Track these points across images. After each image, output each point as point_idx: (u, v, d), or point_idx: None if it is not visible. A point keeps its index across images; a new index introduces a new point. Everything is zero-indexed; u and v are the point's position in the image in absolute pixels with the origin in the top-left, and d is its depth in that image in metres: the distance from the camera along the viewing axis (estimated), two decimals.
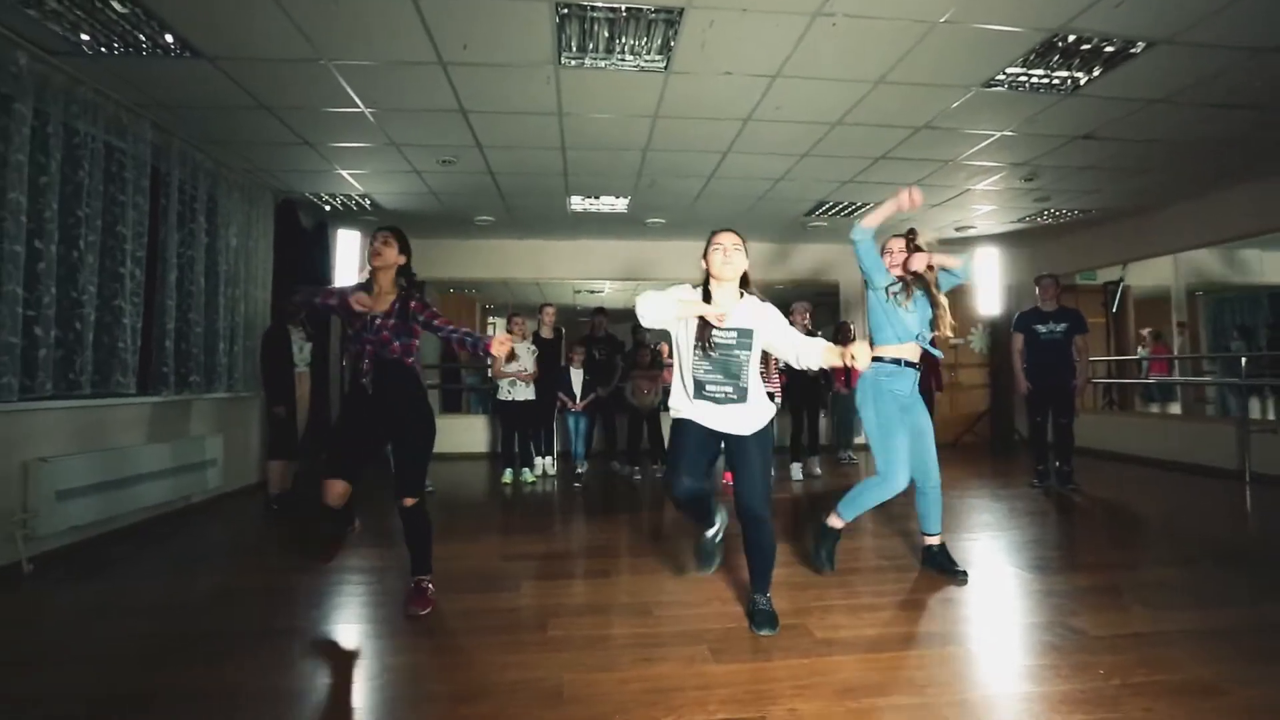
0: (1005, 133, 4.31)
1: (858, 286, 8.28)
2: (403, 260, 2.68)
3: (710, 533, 2.35)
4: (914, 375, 2.87)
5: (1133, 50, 3.18)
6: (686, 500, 2.34)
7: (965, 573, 2.90)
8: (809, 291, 8.89)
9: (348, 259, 6.09)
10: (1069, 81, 3.54)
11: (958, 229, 7.13)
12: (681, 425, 2.40)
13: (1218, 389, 6.94)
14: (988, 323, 8.26)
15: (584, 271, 7.93)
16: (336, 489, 2.55)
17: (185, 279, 4.34)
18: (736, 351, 2.29)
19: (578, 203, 6.01)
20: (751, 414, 2.34)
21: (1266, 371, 6.23)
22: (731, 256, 2.33)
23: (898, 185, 5.47)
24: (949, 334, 2.84)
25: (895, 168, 5.06)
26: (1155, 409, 7.25)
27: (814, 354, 2.26)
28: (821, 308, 9.09)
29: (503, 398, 5.75)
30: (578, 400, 5.99)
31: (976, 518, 4.12)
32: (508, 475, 5.79)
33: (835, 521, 2.98)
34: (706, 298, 2.35)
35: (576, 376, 6.05)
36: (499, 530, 4.09)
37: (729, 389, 2.30)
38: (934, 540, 2.98)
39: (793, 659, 2.16)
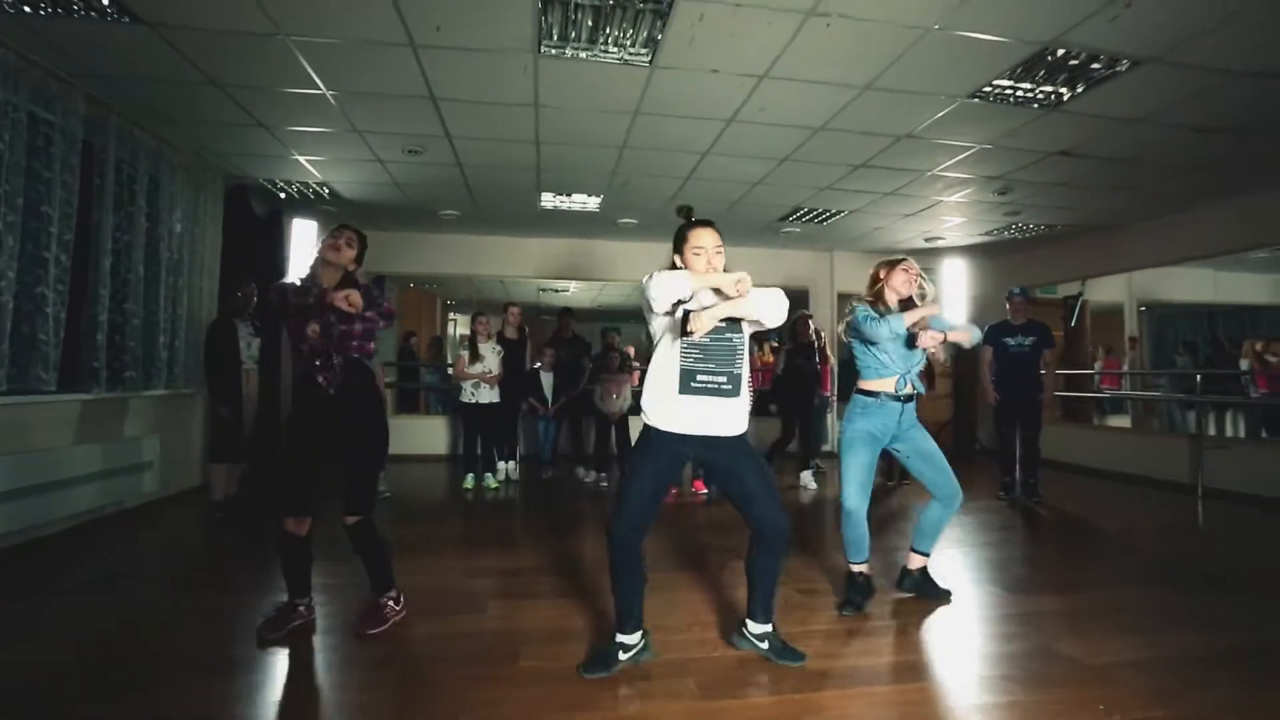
0: (984, 145, 4.31)
1: (826, 293, 8.30)
2: (354, 266, 2.52)
3: (634, 640, 2.15)
4: (899, 409, 2.70)
5: (1118, 68, 3.18)
6: (623, 550, 2.10)
7: (949, 592, 2.84)
8: (800, 301, 8.92)
9: (302, 250, 5.75)
10: (1053, 96, 3.53)
11: (927, 239, 7.18)
12: (648, 441, 2.13)
13: (1166, 403, 7.17)
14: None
15: (552, 270, 7.72)
16: (303, 527, 2.39)
17: (121, 266, 3.99)
18: (728, 335, 2.07)
19: (549, 200, 5.82)
20: (742, 410, 2.14)
21: (1214, 389, 6.44)
22: (715, 262, 2.12)
23: (874, 193, 5.49)
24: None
25: (873, 176, 5.03)
26: (1109, 421, 7.44)
27: (777, 306, 2.08)
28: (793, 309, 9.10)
29: (466, 400, 5.51)
30: (549, 404, 5.77)
31: (949, 531, 4.08)
32: (469, 481, 5.55)
33: (853, 566, 2.82)
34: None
35: (547, 380, 5.86)
36: (462, 542, 3.87)
37: (722, 379, 2.07)
38: (920, 561, 2.89)
39: (784, 693, 2.03)
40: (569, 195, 5.69)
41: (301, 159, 4.77)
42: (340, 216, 6.36)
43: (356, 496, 2.45)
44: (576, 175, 5.16)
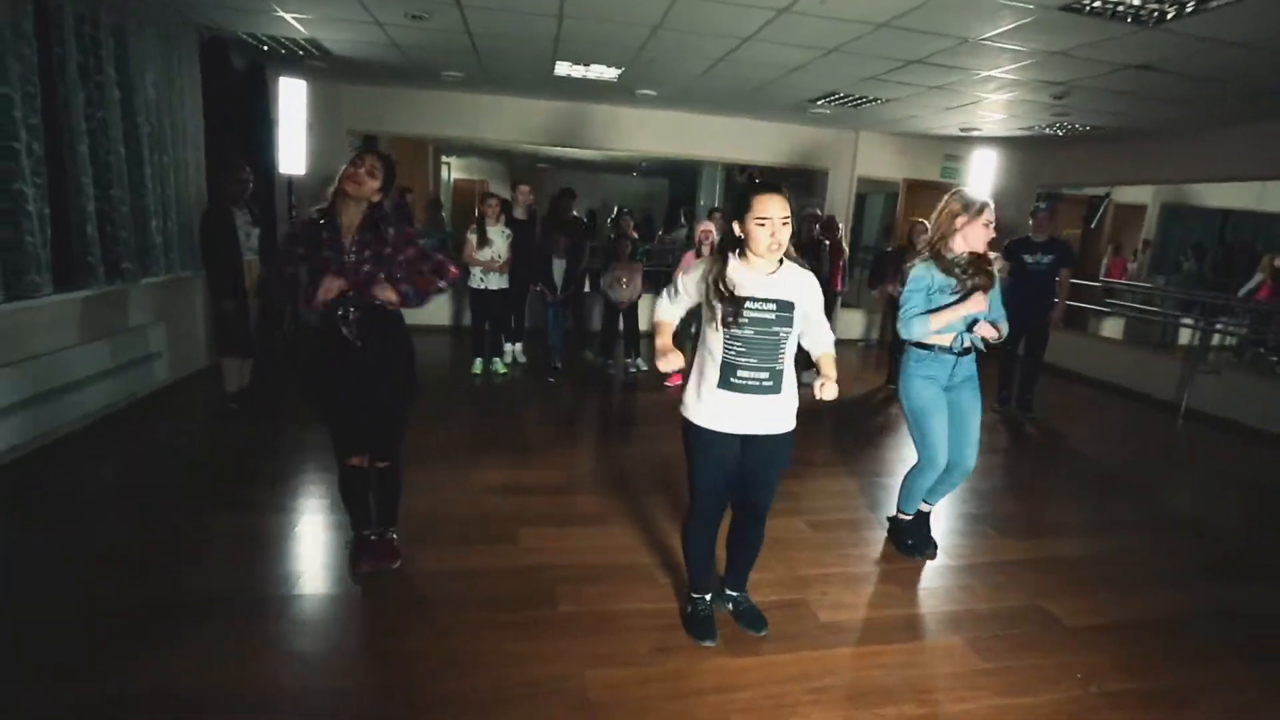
0: (1056, 52, 3.88)
1: (847, 177, 7.90)
2: (379, 198, 2.28)
3: (709, 597, 2.29)
4: (953, 362, 2.65)
5: None
6: (698, 541, 2.21)
7: (935, 545, 2.94)
8: (797, 176, 8.46)
9: (291, 111, 5.23)
10: (1157, 14, 3.12)
11: (962, 129, 6.72)
12: (698, 437, 2.07)
13: (1163, 314, 7.24)
14: (955, 156, 8.08)
15: (561, 136, 7.19)
16: (362, 461, 2.41)
17: (99, 148, 3.63)
18: (775, 328, 1.95)
19: (564, 68, 5.25)
20: (786, 406, 2.06)
21: (1218, 297, 6.46)
22: (780, 235, 1.90)
23: (919, 87, 5.03)
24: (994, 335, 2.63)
25: (923, 72, 4.56)
26: (1105, 323, 7.51)
27: (825, 343, 2.15)
28: (813, 194, 8.72)
29: (474, 286, 5.38)
30: (559, 291, 5.65)
31: None
32: (477, 365, 5.61)
33: (902, 517, 2.96)
34: (721, 268, 1.97)
35: (558, 266, 5.67)
36: (480, 447, 3.96)
37: (764, 375, 1.98)
38: (907, 517, 2.95)
39: (802, 650, 2.24)
40: (587, 65, 5.13)
41: (286, 16, 4.17)
42: (330, 73, 5.75)
43: (387, 441, 2.45)
44: (599, 49, 4.62)
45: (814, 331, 2.14)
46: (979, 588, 2.72)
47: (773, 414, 2.05)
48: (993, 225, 2.60)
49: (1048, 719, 2.00)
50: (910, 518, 2.94)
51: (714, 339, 2.01)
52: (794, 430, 2.12)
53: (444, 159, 11.63)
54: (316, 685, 1.95)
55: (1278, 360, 6.07)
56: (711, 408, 2.04)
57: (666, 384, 5.53)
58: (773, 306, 1.96)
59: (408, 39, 4.57)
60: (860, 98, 5.61)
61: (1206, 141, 5.78)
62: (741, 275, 1.98)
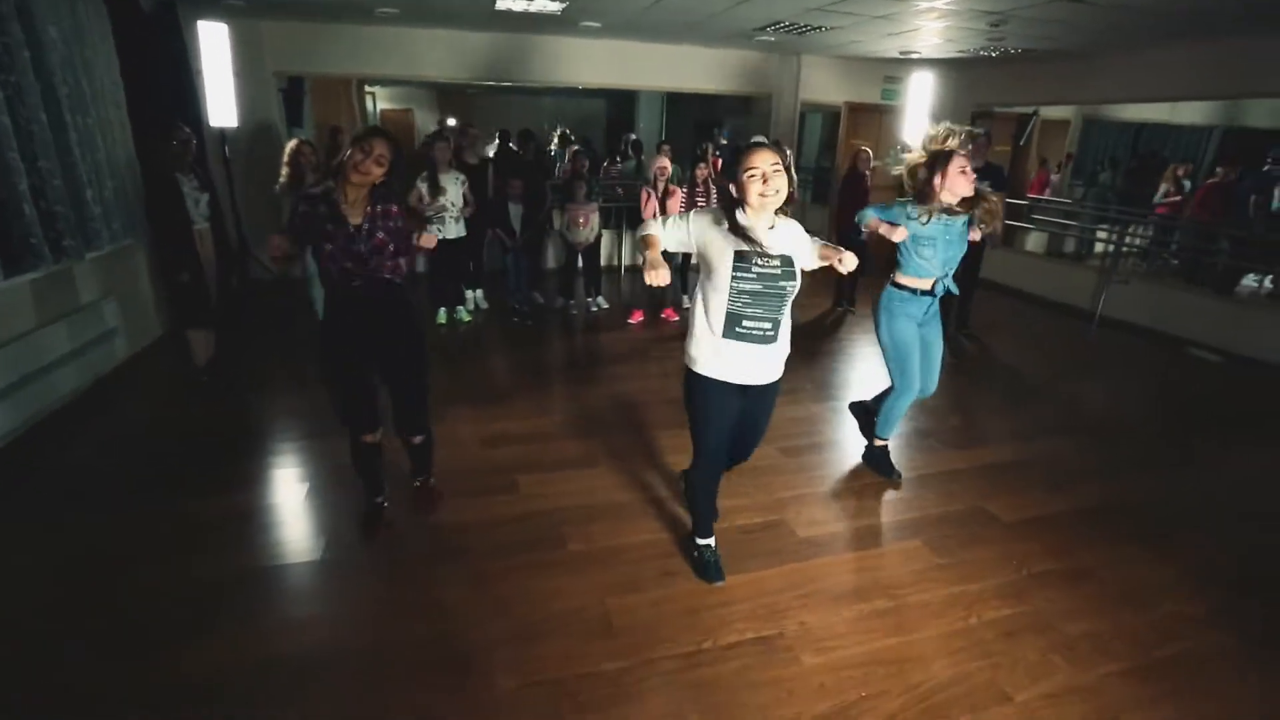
0: None
1: (790, 101, 7.95)
2: (383, 177, 2.26)
3: (713, 542, 2.50)
4: (930, 302, 2.89)
5: None
6: (704, 489, 2.39)
7: (900, 475, 3.25)
8: (740, 101, 8.45)
9: (215, 57, 4.86)
10: None
11: (902, 52, 6.83)
12: (701, 389, 2.19)
13: (1079, 225, 7.79)
14: (908, 147, 8.35)
15: (503, 71, 6.92)
16: (377, 436, 2.52)
17: (20, 117, 3.37)
18: (781, 283, 2.05)
19: (507, 4, 5.04)
20: (780, 355, 2.21)
21: (1126, 213, 7.01)
22: (773, 182, 1.97)
23: (863, 16, 5.09)
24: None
25: (868, 3, 4.63)
26: (1030, 240, 8.03)
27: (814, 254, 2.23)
28: (760, 118, 8.72)
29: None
30: (518, 236, 5.65)
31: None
32: (442, 315, 5.62)
33: (878, 442, 3.23)
34: (735, 226, 2.04)
35: (515, 211, 5.64)
36: (460, 399, 4.04)
37: (767, 325, 2.09)
38: (883, 443, 3.29)
39: (788, 564, 2.58)
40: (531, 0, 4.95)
41: None
42: (250, 11, 5.35)
43: (414, 418, 2.60)
44: None
45: (809, 255, 2.22)
46: (931, 496, 3.12)
47: (770, 363, 2.19)
48: (969, 167, 2.66)
49: (991, 599, 2.41)
50: (886, 442, 3.23)
51: (715, 295, 2.09)
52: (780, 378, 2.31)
53: (368, 89, 10.97)
54: (367, 642, 2.15)
55: (1178, 263, 6.72)
56: (715, 356, 2.14)
57: (630, 321, 5.71)
58: (778, 262, 2.05)
59: None
60: (805, 26, 5.63)
61: (1126, 64, 6.10)
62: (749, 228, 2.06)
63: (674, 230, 2.16)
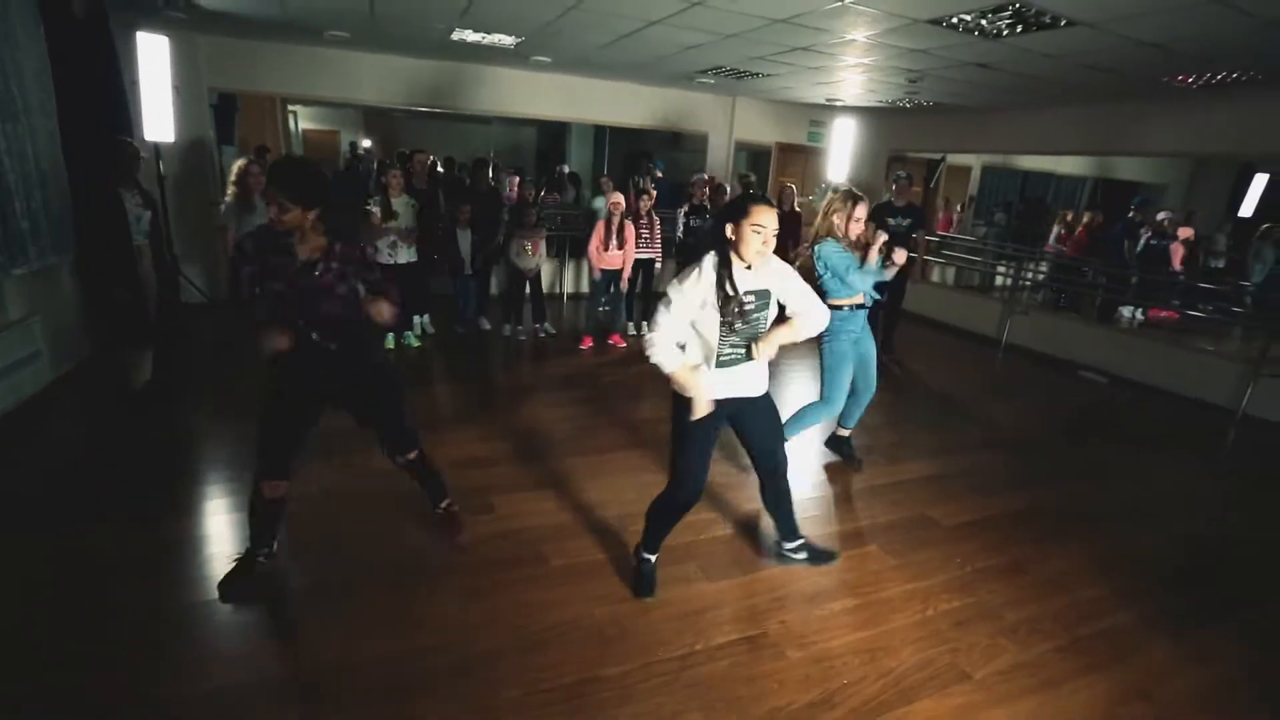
0: (917, 50, 4.52)
1: (725, 139, 8.42)
2: (314, 213, 2.13)
3: (654, 558, 2.56)
4: (864, 314, 3.37)
5: (1060, 23, 3.50)
6: (686, 509, 2.44)
7: (861, 461, 3.76)
8: (671, 138, 8.85)
9: (154, 72, 4.69)
10: (996, 31, 3.80)
11: (828, 99, 7.42)
12: (690, 409, 2.23)
13: (984, 260, 8.64)
14: (830, 185, 9.01)
15: (450, 99, 6.97)
16: (279, 490, 2.30)
17: None
18: (756, 315, 2.21)
19: (464, 34, 5.16)
20: (763, 369, 2.33)
21: (1021, 252, 7.86)
22: (770, 244, 2.13)
23: (799, 66, 5.55)
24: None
25: (805, 56, 5.08)
26: (941, 274, 8.80)
27: (816, 325, 2.31)
28: (689, 154, 9.15)
29: (382, 261, 5.26)
30: (468, 265, 5.66)
31: None
32: (389, 341, 5.53)
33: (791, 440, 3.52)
34: (727, 275, 2.14)
35: (464, 238, 5.67)
36: (423, 424, 4.00)
37: (741, 349, 2.24)
38: (846, 432, 3.76)
39: (762, 570, 2.76)
40: (489, 33, 5.09)
41: None
42: (189, 24, 5.19)
43: (401, 437, 2.56)
44: (508, 20, 4.63)
45: (802, 314, 2.28)
46: (880, 505, 3.40)
47: (754, 377, 2.31)
48: (862, 220, 3.23)
49: (942, 594, 2.68)
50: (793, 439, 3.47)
51: (713, 341, 2.20)
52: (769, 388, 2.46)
53: (290, 108, 10.66)
54: (367, 659, 2.14)
55: (1064, 300, 7.57)
56: (711, 385, 2.23)
57: (580, 347, 5.83)
58: (752, 298, 2.19)
59: None
60: (744, 72, 6.06)
61: (1019, 120, 6.93)
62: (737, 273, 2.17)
63: (671, 336, 2.19)
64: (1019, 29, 3.70)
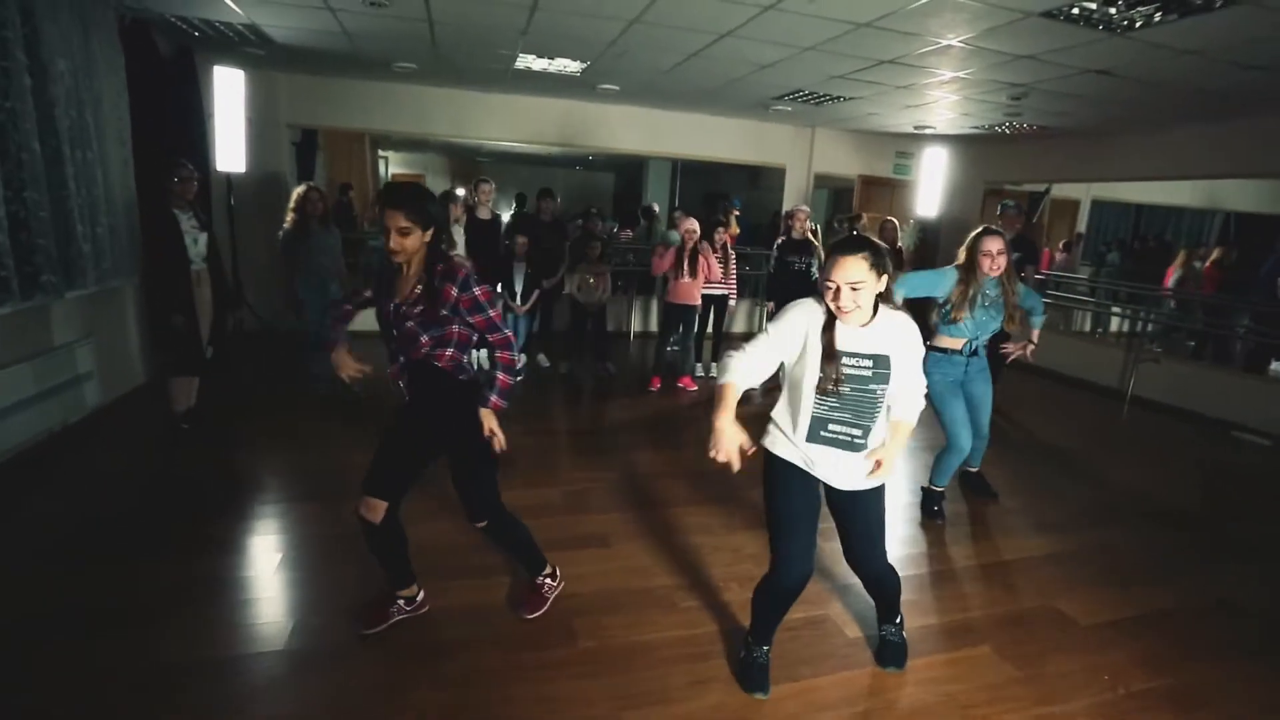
0: (1025, 56, 3.96)
1: (803, 173, 7.97)
2: (429, 237, 1.95)
3: (767, 649, 2.09)
4: (962, 361, 3.13)
5: (1216, 3, 2.89)
6: (795, 592, 1.96)
7: (997, 494, 3.62)
8: (751, 167, 8.48)
9: (228, 103, 4.78)
10: (1126, 23, 3.21)
11: (916, 127, 6.87)
12: (784, 475, 1.90)
13: (1097, 300, 7.67)
14: (919, 221, 8.34)
15: (514, 132, 6.92)
16: (373, 512, 2.03)
17: (9, 143, 3.17)
18: (872, 386, 1.78)
19: (527, 61, 5.02)
20: (872, 462, 1.89)
21: (1147, 288, 6.88)
22: (848, 299, 1.70)
23: (885, 86, 5.07)
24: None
25: (893, 72, 4.60)
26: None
27: (908, 409, 1.90)
28: (766, 192, 8.76)
29: None
30: (519, 300, 5.42)
31: (922, 456, 4.31)
32: None
33: (934, 487, 3.37)
34: (828, 324, 1.78)
35: (519, 271, 5.44)
36: None
37: (857, 433, 1.82)
38: (938, 490, 3.40)
39: (837, 672, 2.18)
40: (551, 59, 4.93)
41: None
42: (268, 62, 5.32)
43: (473, 504, 2.27)
44: (568, 42, 4.43)
45: (899, 391, 1.87)
46: (994, 591, 2.73)
47: (859, 469, 1.88)
48: (993, 256, 2.93)
49: None
50: (941, 490, 3.37)
51: (808, 395, 1.81)
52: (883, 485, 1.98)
53: (381, 153, 11.10)
54: None
55: (1194, 344, 6.53)
56: (795, 453, 1.89)
57: (649, 389, 5.40)
58: (869, 362, 1.77)
59: (361, 27, 4.24)
60: (824, 95, 5.63)
61: (1145, 142, 6.11)
62: (837, 328, 1.78)
63: (769, 346, 1.81)
64: (1157, 17, 3.10)
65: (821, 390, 1.78)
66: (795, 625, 2.39)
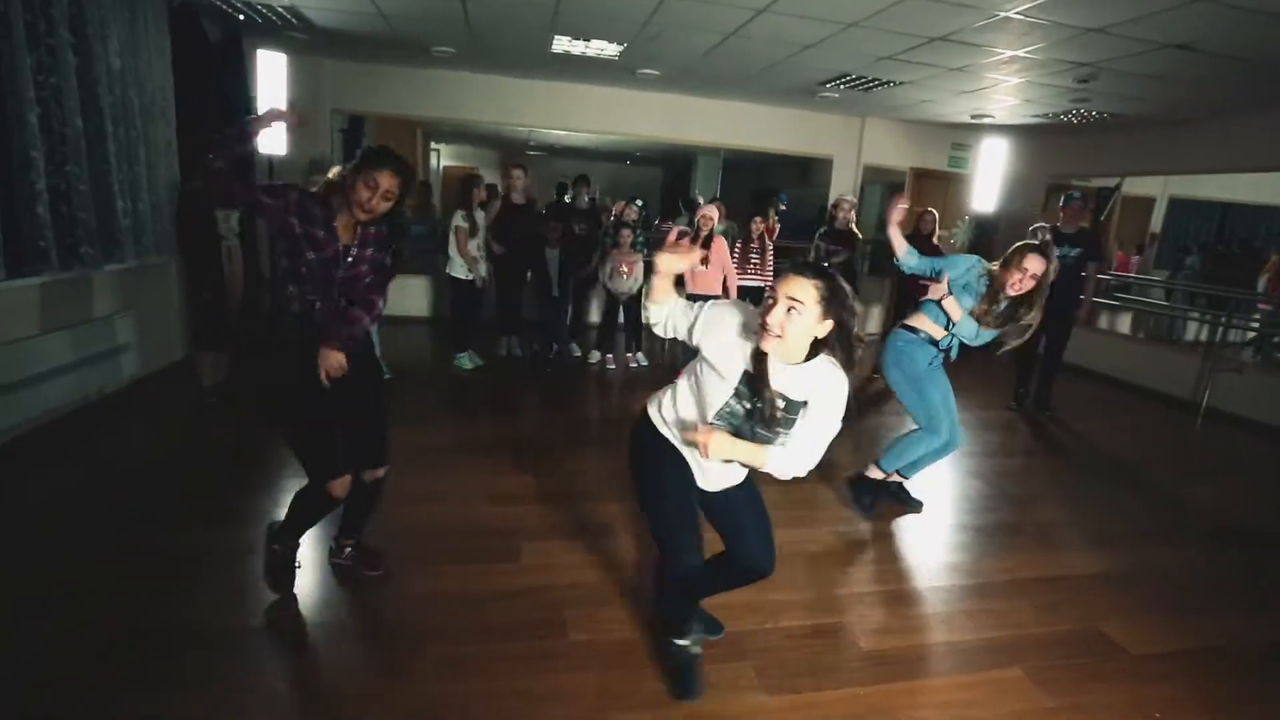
0: (1094, 29, 3.63)
1: (852, 165, 7.66)
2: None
3: (690, 640, 1.90)
4: (933, 352, 2.82)
5: None
6: (688, 587, 1.83)
7: (921, 504, 3.20)
8: (800, 163, 8.20)
9: (270, 86, 4.88)
10: None
11: (974, 115, 6.48)
12: (657, 449, 1.78)
13: (1170, 308, 7.10)
14: (976, 217, 7.91)
15: (557, 119, 6.86)
16: (345, 485, 2.05)
17: (52, 119, 3.27)
18: (778, 429, 1.61)
19: (562, 43, 4.94)
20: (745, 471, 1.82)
21: (1232, 292, 6.30)
22: (775, 317, 1.50)
23: (937, 68, 4.77)
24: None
25: (945, 50, 4.30)
26: (1117, 321, 7.34)
27: (788, 466, 1.64)
28: (816, 189, 8.46)
29: (459, 276, 5.05)
30: (555, 287, 5.34)
31: (967, 462, 4.03)
32: (464, 360, 5.27)
33: (874, 473, 3.04)
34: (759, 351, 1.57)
35: (553, 258, 5.37)
36: (470, 450, 3.60)
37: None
38: (884, 477, 3.07)
39: (846, 687, 2.00)
40: (587, 40, 4.83)
41: None
42: (311, 45, 5.41)
43: (379, 447, 2.20)
44: (602, 21, 4.32)
45: (793, 439, 1.63)
46: (1029, 609, 2.48)
47: (733, 473, 1.82)
48: (1024, 277, 2.63)
49: None
50: (881, 478, 3.04)
51: (704, 395, 1.69)
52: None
53: (433, 145, 11.26)
54: None
55: None
56: (687, 454, 1.77)
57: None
58: (783, 405, 1.59)
59: (396, 8, 4.23)
60: (872, 80, 5.35)
61: (1222, 131, 5.57)
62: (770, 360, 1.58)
63: (680, 310, 1.74)
64: None
65: (746, 394, 1.62)
66: (802, 635, 2.23)
